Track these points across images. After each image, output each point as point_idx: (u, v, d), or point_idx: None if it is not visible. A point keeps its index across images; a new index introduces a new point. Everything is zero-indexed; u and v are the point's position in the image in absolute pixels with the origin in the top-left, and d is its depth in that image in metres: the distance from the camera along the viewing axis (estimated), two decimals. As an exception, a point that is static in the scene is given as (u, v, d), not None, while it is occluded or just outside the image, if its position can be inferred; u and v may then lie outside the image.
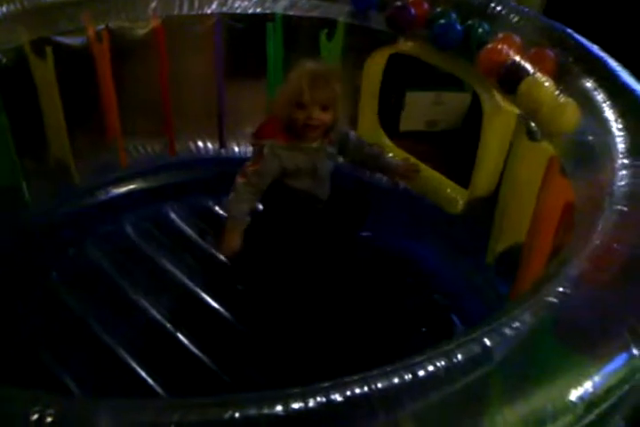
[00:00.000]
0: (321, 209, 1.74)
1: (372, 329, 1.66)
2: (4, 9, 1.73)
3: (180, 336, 1.62)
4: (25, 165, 1.87)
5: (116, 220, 1.99)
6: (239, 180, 1.62)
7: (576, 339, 0.83)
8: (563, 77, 1.38)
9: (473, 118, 2.30)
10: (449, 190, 1.90)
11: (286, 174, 1.64)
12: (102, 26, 1.90)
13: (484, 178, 1.75)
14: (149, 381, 1.49)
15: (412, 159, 1.93)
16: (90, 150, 2.05)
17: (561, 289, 0.86)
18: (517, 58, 1.50)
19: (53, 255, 1.85)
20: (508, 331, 0.82)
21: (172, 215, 2.04)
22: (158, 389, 1.48)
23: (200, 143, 2.26)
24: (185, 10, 2.01)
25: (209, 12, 2.02)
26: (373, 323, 1.68)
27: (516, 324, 0.83)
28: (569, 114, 1.28)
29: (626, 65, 1.36)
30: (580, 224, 1.01)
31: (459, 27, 1.72)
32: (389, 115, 2.43)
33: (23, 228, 1.88)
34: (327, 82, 1.56)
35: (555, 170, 1.31)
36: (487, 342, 0.80)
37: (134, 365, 1.54)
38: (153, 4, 1.96)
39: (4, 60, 1.72)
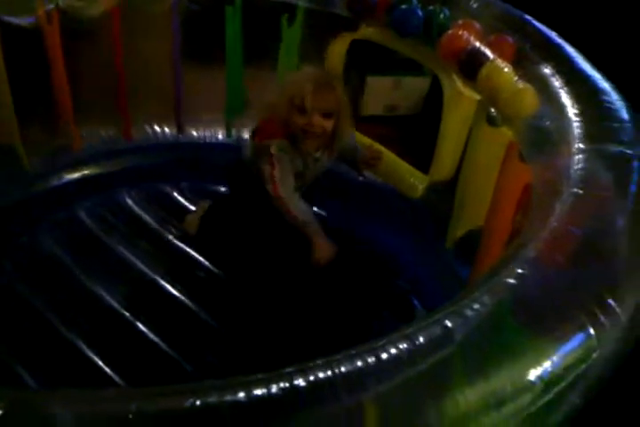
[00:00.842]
0: None
1: (334, 314, 1.66)
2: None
3: (139, 324, 1.59)
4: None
5: (69, 206, 1.93)
6: (277, 191, 1.55)
7: (534, 320, 0.84)
8: (521, 63, 1.39)
9: (433, 103, 2.32)
10: (409, 175, 1.90)
11: None
12: (52, 5, 1.82)
13: (443, 163, 1.77)
14: (107, 370, 1.47)
15: (376, 145, 1.93)
16: (42, 135, 1.98)
17: (519, 271, 0.87)
18: (477, 44, 1.51)
19: (5, 244, 1.78)
20: (468, 312, 0.83)
21: (129, 201, 1.99)
22: (117, 378, 1.45)
23: (157, 128, 2.21)
24: (141, -9, 1.95)
25: (164, -9, 1.97)
26: (335, 308, 1.68)
27: (476, 305, 0.84)
28: (527, 99, 1.29)
29: (583, 51, 1.38)
30: (537, 207, 1.03)
31: (420, 12, 1.71)
32: (350, 99, 2.42)
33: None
34: (332, 89, 1.54)
35: (513, 154, 1.32)
36: (448, 323, 0.81)
37: (91, 354, 1.51)
38: (107, -16, 1.89)
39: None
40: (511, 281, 0.86)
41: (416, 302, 1.73)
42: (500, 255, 1.14)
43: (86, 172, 2.02)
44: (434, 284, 1.73)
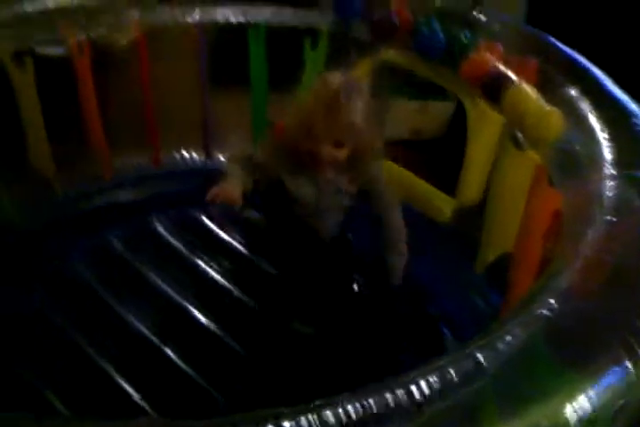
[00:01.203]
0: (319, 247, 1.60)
1: (362, 342, 1.64)
2: (-19, 21, 1.71)
3: (168, 351, 1.59)
4: (6, 176, 1.84)
5: (100, 232, 1.96)
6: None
7: (569, 353, 0.82)
8: (546, 86, 1.38)
9: (457, 127, 2.31)
10: (436, 199, 1.89)
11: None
12: (83, 36, 1.88)
13: (470, 186, 1.76)
14: (136, 397, 1.47)
15: (397, 167, 1.92)
16: (73, 161, 2.02)
17: (552, 302, 0.86)
18: (501, 67, 1.51)
19: (37, 268, 1.81)
20: (500, 345, 0.81)
21: (158, 227, 2.01)
22: (146, 406, 1.45)
23: (185, 154, 2.24)
24: (167, 19, 2.00)
25: (191, 21, 2.01)
26: (364, 336, 1.66)
27: (508, 338, 0.82)
28: (554, 122, 1.28)
29: (610, 73, 1.37)
30: (568, 235, 1.01)
31: (441, 36, 1.72)
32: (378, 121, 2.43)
33: (4, 240, 1.83)
34: (347, 113, 1.31)
35: (542, 179, 1.31)
36: (480, 357, 0.79)
37: (121, 381, 1.51)
38: (135, 14, 1.94)
39: (-17, 73, 1.70)
40: (544, 313, 0.84)
41: (446, 329, 1.70)
42: (531, 284, 1.12)
43: (116, 197, 2.05)
44: (464, 310, 1.70)
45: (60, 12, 1.83)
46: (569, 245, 0.97)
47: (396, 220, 1.59)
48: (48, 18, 1.82)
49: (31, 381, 1.49)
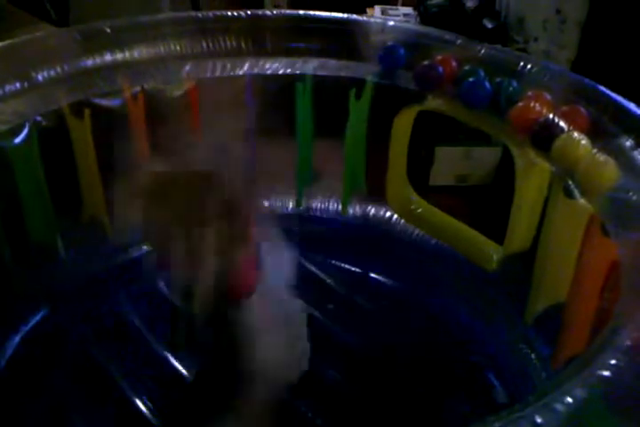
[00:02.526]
0: None
1: (406, 393, 1.60)
2: (45, 74, 1.80)
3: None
4: (60, 222, 1.90)
5: (149, 276, 1.99)
6: None
7: (631, 415, 0.78)
8: (598, 135, 1.36)
9: (504, 173, 2.29)
10: (483, 246, 1.86)
11: None
12: (138, 87, 1.96)
13: (519, 234, 1.72)
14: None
15: (442, 213, 1.90)
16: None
17: (613, 362, 0.82)
18: (550, 115, 1.50)
19: (86, 310, 1.86)
20: (559, 407, 0.78)
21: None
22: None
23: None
24: (218, 71, 2.07)
25: (241, 73, 2.08)
26: (408, 386, 1.62)
27: (567, 399, 0.79)
28: (608, 172, 1.25)
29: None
30: (628, 289, 0.97)
31: (488, 85, 1.73)
32: (419, 169, 2.43)
33: (58, 283, 1.88)
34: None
35: (596, 229, 1.27)
36: (538, 419, 0.76)
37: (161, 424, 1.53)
38: (187, 67, 2.02)
39: (44, 123, 1.78)
40: (604, 373, 0.81)
41: (494, 380, 1.65)
42: (586, 337, 1.08)
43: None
44: (513, 361, 1.64)
45: (118, 65, 1.92)
46: (629, 300, 0.93)
47: None
48: (106, 71, 1.91)
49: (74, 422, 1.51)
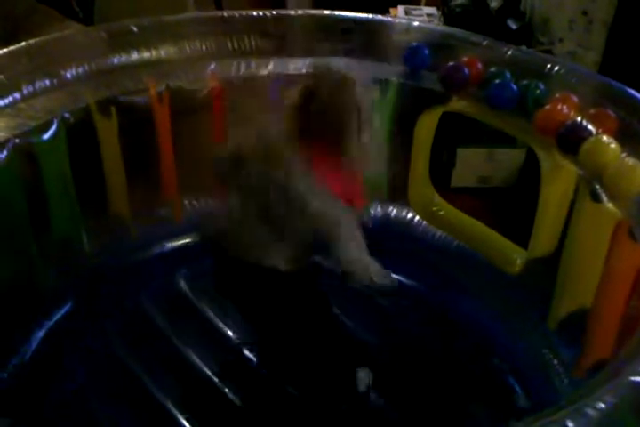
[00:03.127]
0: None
1: (426, 396, 1.60)
2: (73, 71, 1.82)
3: (227, 392, 1.62)
4: (85, 218, 1.92)
5: (170, 274, 2.01)
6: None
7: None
8: (627, 139, 1.35)
9: (528, 175, 2.27)
10: (506, 249, 1.85)
11: None
12: (163, 86, 1.97)
13: (543, 238, 1.70)
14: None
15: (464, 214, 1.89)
16: (146, 205, 2.09)
17: (645, 368, 0.81)
18: (578, 118, 1.49)
19: (109, 306, 1.89)
20: (590, 412, 0.77)
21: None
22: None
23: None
24: (242, 71, 2.07)
25: (265, 73, 2.08)
26: (430, 389, 1.62)
27: (600, 405, 0.78)
28: (637, 176, 1.24)
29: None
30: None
31: (514, 87, 1.72)
32: (441, 171, 2.42)
33: (81, 279, 1.91)
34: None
35: (623, 233, 1.26)
36: (569, 424, 0.76)
37: (182, 419, 1.55)
38: (211, 66, 2.03)
39: (72, 120, 1.80)
40: (636, 379, 0.80)
41: (516, 384, 1.64)
42: (613, 346, 1.07)
43: (187, 241, 2.08)
44: (535, 366, 1.63)
45: (144, 64, 1.93)
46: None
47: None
48: (131, 69, 1.93)
49: (98, 418, 1.54)
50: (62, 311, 1.83)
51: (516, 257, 1.81)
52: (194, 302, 1.92)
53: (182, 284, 1.99)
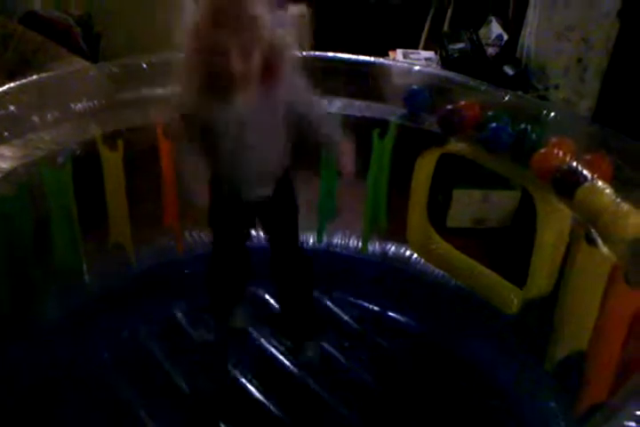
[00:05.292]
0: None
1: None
2: (82, 105, 1.87)
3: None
4: (86, 248, 1.95)
5: (169, 305, 2.02)
6: None
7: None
8: (622, 185, 1.38)
9: (523, 216, 2.30)
10: (502, 289, 1.87)
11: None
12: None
13: (540, 278, 1.72)
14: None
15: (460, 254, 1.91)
16: (147, 234, 2.11)
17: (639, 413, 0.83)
18: (573, 163, 1.53)
19: (107, 336, 1.89)
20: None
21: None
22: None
23: (254, 232, 2.30)
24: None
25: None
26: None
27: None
28: (632, 222, 1.27)
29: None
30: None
31: (510, 130, 1.76)
32: (436, 211, 2.45)
33: (79, 309, 1.91)
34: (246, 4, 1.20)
35: (619, 277, 1.28)
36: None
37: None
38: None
39: (79, 152, 1.83)
40: (631, 424, 0.81)
41: (512, 424, 1.63)
42: (610, 389, 1.08)
43: (187, 271, 2.10)
44: (532, 407, 1.63)
45: (153, 99, 1.98)
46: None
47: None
48: (137, 104, 1.97)
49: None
50: (59, 341, 1.82)
51: (512, 297, 1.83)
52: (192, 335, 1.93)
53: (180, 317, 2.00)
